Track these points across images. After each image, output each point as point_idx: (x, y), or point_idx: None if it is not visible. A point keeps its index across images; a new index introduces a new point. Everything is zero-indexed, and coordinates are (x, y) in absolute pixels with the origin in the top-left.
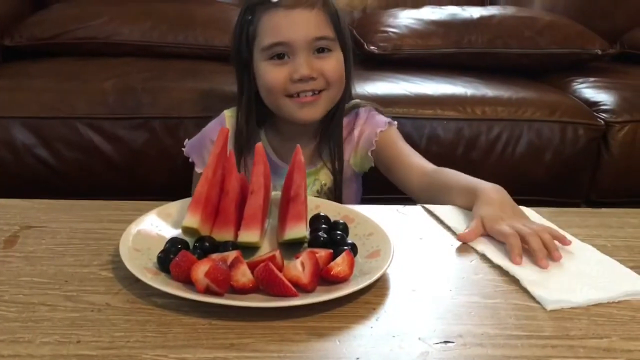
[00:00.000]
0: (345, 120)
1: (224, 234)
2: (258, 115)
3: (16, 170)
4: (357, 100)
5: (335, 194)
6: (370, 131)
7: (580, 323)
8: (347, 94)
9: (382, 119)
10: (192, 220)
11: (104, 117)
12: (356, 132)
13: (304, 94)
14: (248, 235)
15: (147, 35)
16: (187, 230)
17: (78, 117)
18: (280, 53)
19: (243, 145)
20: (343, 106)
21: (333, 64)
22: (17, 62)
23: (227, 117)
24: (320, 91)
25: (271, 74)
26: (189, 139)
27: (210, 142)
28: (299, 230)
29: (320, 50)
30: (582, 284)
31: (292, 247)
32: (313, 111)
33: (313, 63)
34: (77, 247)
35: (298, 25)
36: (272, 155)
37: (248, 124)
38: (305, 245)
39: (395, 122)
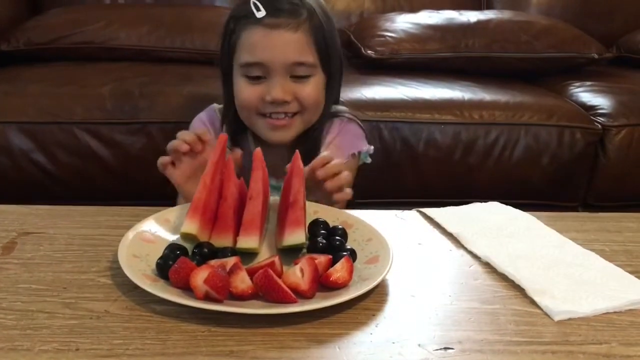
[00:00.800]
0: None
1: (222, 240)
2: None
3: (13, 175)
4: (343, 108)
5: None
6: (336, 150)
7: (580, 329)
8: (325, 112)
9: (350, 145)
10: (191, 227)
11: (102, 122)
12: (322, 148)
13: (277, 116)
14: (247, 241)
15: (144, 39)
16: (185, 236)
17: (75, 122)
18: (256, 75)
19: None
20: (321, 126)
21: (309, 89)
22: (13, 67)
23: (217, 109)
24: (294, 114)
25: (245, 92)
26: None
27: (204, 124)
28: (298, 236)
29: (298, 77)
30: (588, 293)
31: (291, 253)
32: (284, 134)
33: (288, 87)
34: (76, 253)
35: (277, 48)
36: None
37: (233, 124)
38: (304, 251)
39: (367, 149)
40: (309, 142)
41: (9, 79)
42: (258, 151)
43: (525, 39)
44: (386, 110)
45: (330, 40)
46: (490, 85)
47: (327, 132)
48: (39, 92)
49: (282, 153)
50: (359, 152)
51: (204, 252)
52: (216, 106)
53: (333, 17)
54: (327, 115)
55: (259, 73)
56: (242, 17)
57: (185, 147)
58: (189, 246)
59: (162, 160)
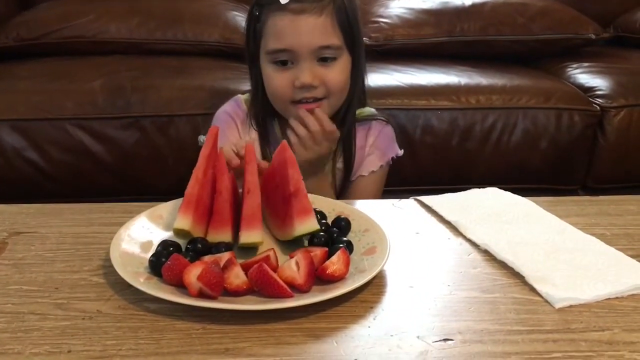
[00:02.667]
0: (358, 128)
1: (220, 235)
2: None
3: (5, 173)
4: (371, 110)
5: (341, 194)
6: (376, 158)
7: (582, 316)
8: (356, 93)
9: (391, 148)
10: (184, 222)
11: (94, 117)
12: (367, 149)
13: (307, 101)
14: (250, 236)
15: (134, 32)
16: (179, 232)
17: (67, 118)
18: (283, 60)
19: (263, 134)
20: (354, 109)
21: (335, 73)
22: (3, 64)
23: (243, 100)
24: (321, 99)
25: (276, 81)
26: (202, 134)
27: (228, 116)
28: (311, 224)
29: (325, 58)
30: (589, 279)
31: (291, 245)
32: None
33: (316, 71)
34: (67, 252)
35: (303, 33)
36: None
37: (261, 111)
38: (306, 243)
39: (400, 153)
40: (345, 129)
41: None
42: (249, 146)
43: (521, 21)
44: (382, 98)
45: (354, 19)
46: (487, 69)
47: (368, 135)
48: (30, 88)
49: None
50: (396, 156)
51: (197, 248)
52: (241, 97)
53: None
54: (357, 97)
55: (286, 58)
56: (266, 4)
57: (234, 163)
58: (182, 242)
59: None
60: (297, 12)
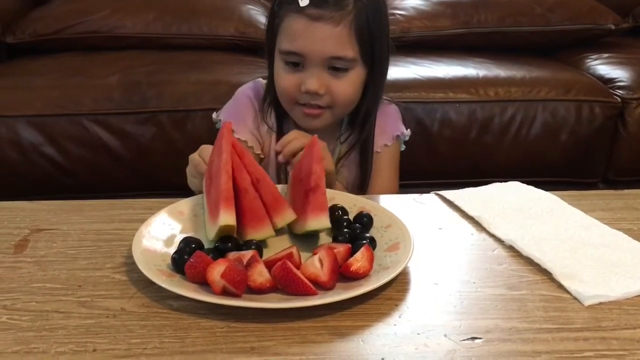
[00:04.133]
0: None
1: (260, 233)
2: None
3: (23, 169)
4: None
5: (356, 188)
6: (378, 136)
7: (612, 313)
8: (374, 101)
9: (393, 127)
10: (230, 218)
11: (110, 112)
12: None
13: (310, 106)
14: (320, 221)
15: (150, 27)
16: (225, 228)
17: (84, 113)
18: (295, 61)
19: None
20: (372, 119)
21: (344, 86)
22: (20, 59)
23: (263, 84)
24: (324, 107)
25: (284, 80)
26: (217, 112)
27: (248, 99)
28: (322, 221)
29: (336, 68)
30: (618, 275)
31: (307, 241)
32: (317, 122)
33: (324, 79)
34: (89, 249)
35: (316, 40)
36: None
37: (277, 105)
38: (330, 239)
39: (407, 133)
40: (363, 134)
41: (15, 72)
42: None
43: (539, 11)
44: (399, 91)
45: (376, 32)
46: (505, 61)
47: None
48: (46, 84)
49: (330, 136)
50: (402, 134)
51: (228, 247)
52: (262, 81)
53: (385, 6)
54: (376, 106)
55: (297, 60)
56: (286, 2)
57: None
58: (204, 239)
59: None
60: (314, 17)
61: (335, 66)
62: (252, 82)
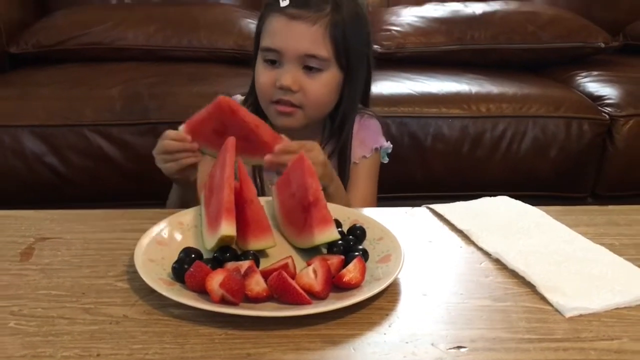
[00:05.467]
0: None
1: (262, 242)
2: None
3: (26, 178)
4: (359, 106)
5: None
6: (357, 147)
7: (591, 325)
8: (350, 109)
9: (373, 139)
10: (230, 228)
11: (112, 123)
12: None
13: (283, 103)
14: (328, 234)
15: (151, 39)
16: (225, 238)
17: (86, 124)
18: (272, 59)
19: None
20: (349, 126)
21: (316, 86)
22: (23, 70)
23: (240, 100)
24: (297, 106)
25: (261, 77)
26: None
27: None
28: (331, 233)
29: (310, 67)
30: (599, 288)
31: (306, 253)
32: (290, 121)
33: (298, 76)
34: (92, 257)
35: (292, 37)
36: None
37: (253, 109)
38: (324, 251)
39: (388, 146)
40: (340, 141)
41: (19, 82)
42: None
43: (531, 29)
44: (393, 106)
45: (351, 37)
46: (497, 78)
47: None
48: (49, 95)
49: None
50: (380, 147)
51: (226, 257)
52: (239, 97)
53: (366, 19)
54: (353, 113)
55: (274, 58)
56: (269, 4)
57: (176, 145)
58: (204, 249)
59: (186, 161)
60: (292, 16)
61: (310, 65)
62: (231, 97)
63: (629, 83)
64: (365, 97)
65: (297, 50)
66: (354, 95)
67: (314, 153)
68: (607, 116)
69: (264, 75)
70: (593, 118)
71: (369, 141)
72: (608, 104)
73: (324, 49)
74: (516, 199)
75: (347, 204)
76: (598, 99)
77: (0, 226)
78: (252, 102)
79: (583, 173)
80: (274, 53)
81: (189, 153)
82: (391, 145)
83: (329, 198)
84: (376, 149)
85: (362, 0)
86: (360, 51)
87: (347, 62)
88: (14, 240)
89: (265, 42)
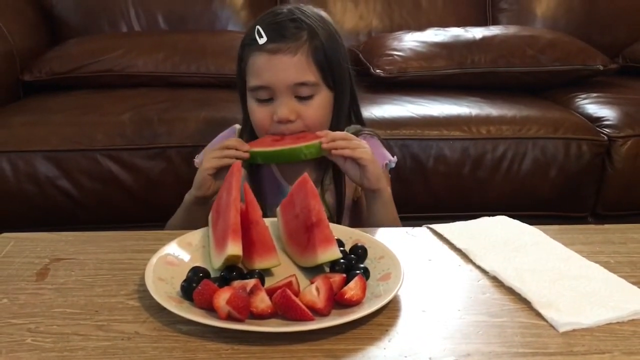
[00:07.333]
0: None
1: (267, 262)
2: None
3: (40, 202)
4: (359, 127)
5: (335, 220)
6: None
7: (584, 339)
8: (340, 128)
9: (382, 155)
10: (237, 248)
11: (122, 148)
12: None
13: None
14: (330, 253)
15: (160, 66)
16: (231, 258)
17: (97, 149)
18: (265, 97)
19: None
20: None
21: (312, 110)
22: (36, 97)
23: (237, 130)
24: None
25: (257, 114)
26: (197, 155)
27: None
28: (333, 252)
29: (302, 97)
30: (592, 304)
31: (309, 271)
32: None
33: (293, 106)
34: (105, 277)
35: (279, 70)
36: (277, 173)
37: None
38: (327, 270)
39: (394, 160)
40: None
41: (32, 108)
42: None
43: (531, 53)
44: (396, 128)
45: (333, 57)
46: (497, 100)
47: None
48: (62, 120)
49: (309, 171)
50: (389, 162)
51: (233, 276)
52: (237, 127)
53: (338, 35)
54: (341, 125)
55: (267, 96)
56: (247, 45)
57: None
58: (211, 269)
59: (228, 160)
60: (273, 51)
61: (302, 95)
62: (229, 128)
63: (627, 105)
64: (358, 113)
65: (286, 81)
66: (341, 113)
67: (364, 149)
68: (605, 137)
69: (259, 112)
70: (592, 139)
71: (378, 157)
72: (606, 125)
73: (310, 75)
74: (517, 218)
75: (396, 219)
76: (597, 121)
77: (17, 248)
78: (249, 136)
79: (583, 193)
80: (265, 90)
81: (238, 152)
82: (396, 159)
83: (383, 206)
84: (386, 164)
85: (329, 18)
86: (342, 67)
87: (333, 80)
88: (30, 261)
89: (253, 81)
